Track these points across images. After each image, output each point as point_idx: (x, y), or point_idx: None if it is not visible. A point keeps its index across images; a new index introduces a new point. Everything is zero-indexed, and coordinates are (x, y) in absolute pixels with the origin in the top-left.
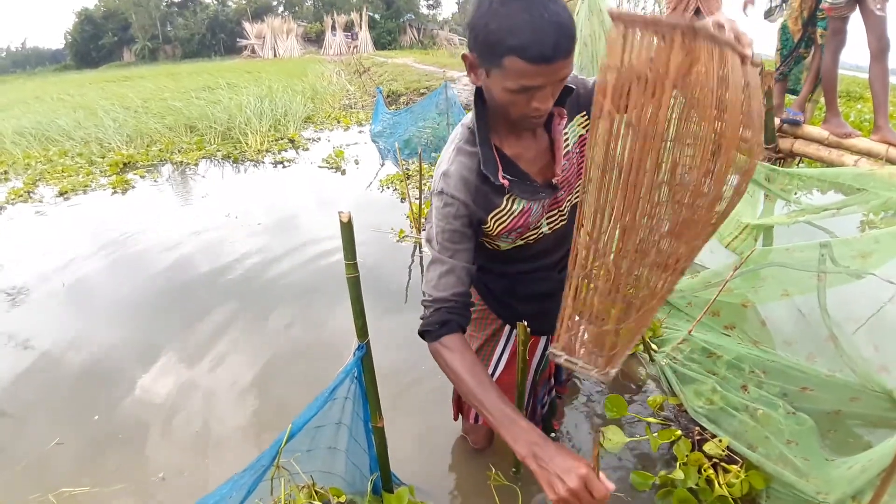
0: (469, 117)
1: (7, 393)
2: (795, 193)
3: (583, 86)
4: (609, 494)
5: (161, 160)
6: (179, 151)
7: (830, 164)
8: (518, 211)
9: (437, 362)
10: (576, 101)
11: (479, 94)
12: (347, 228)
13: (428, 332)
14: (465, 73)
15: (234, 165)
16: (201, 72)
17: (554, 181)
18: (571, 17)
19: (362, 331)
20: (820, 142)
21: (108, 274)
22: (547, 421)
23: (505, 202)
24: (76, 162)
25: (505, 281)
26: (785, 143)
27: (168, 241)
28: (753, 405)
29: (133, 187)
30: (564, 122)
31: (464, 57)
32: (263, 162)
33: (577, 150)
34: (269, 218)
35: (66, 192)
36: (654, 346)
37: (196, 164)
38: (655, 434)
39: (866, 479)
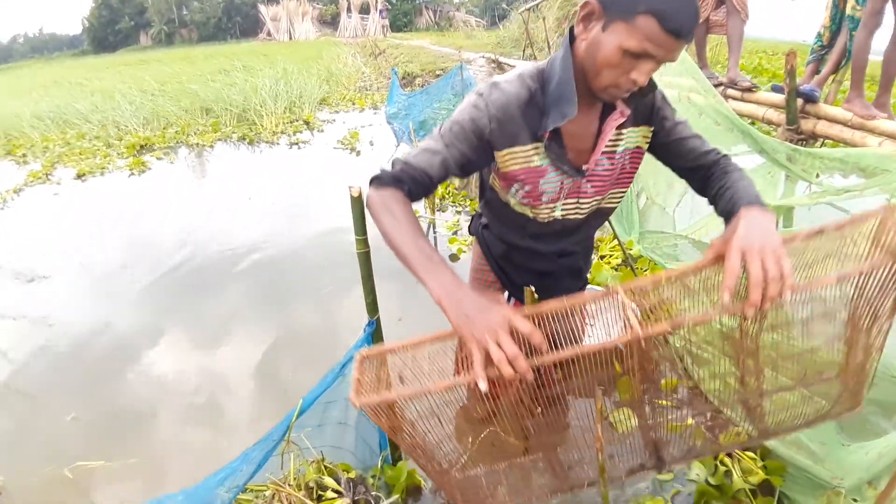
0: (536, 65)
1: (24, 370)
2: (817, 175)
3: (662, 100)
4: (542, 344)
5: (177, 142)
6: (195, 133)
7: (853, 146)
8: (534, 165)
9: (371, 208)
10: (650, 110)
11: (570, 46)
12: (358, 203)
13: (379, 178)
14: (483, 53)
15: (250, 147)
16: (217, 55)
17: (584, 167)
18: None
19: (372, 307)
20: (843, 123)
21: (123, 254)
22: None
23: (529, 148)
24: (93, 144)
25: (504, 247)
26: (807, 124)
27: (183, 221)
28: (769, 388)
29: (150, 169)
30: (623, 120)
31: (585, 3)
32: (278, 143)
33: (628, 158)
34: (284, 198)
35: (83, 174)
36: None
37: (212, 146)
38: (670, 417)
39: (883, 465)
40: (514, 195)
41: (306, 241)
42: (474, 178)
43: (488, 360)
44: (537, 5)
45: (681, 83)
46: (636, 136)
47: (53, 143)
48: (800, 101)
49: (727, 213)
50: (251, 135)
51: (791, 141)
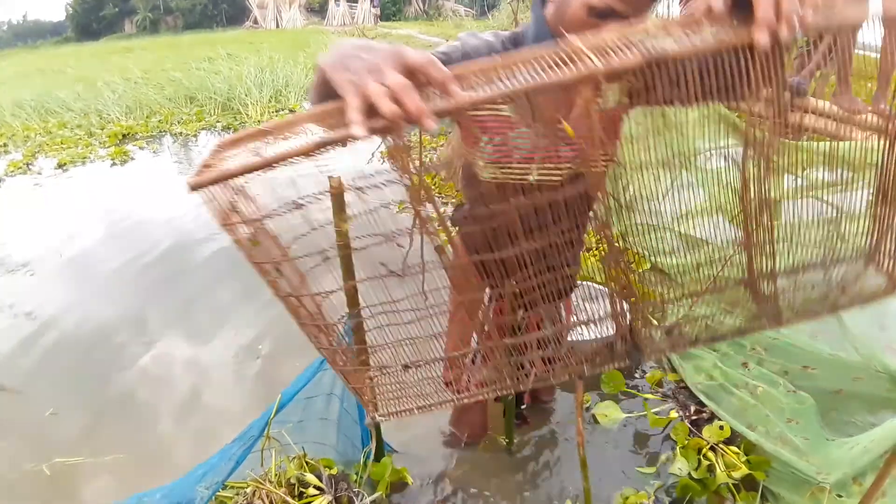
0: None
1: (4, 364)
2: (804, 168)
3: None
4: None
5: (160, 131)
6: (179, 122)
7: (840, 140)
8: (504, 114)
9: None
10: None
11: (540, 7)
12: (338, 196)
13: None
14: None
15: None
16: (202, 43)
17: (560, 126)
18: None
19: (353, 299)
20: (830, 117)
21: (106, 246)
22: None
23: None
24: (75, 134)
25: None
26: (794, 118)
27: (166, 212)
28: (754, 382)
29: (132, 159)
30: None
31: None
32: None
33: (607, 118)
34: (268, 190)
35: (64, 164)
36: (654, 321)
37: (196, 136)
38: (654, 411)
39: (868, 461)
40: (483, 153)
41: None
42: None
43: (371, 112)
44: None
45: None
46: (612, 94)
47: (34, 133)
48: (787, 94)
49: None
50: (236, 124)
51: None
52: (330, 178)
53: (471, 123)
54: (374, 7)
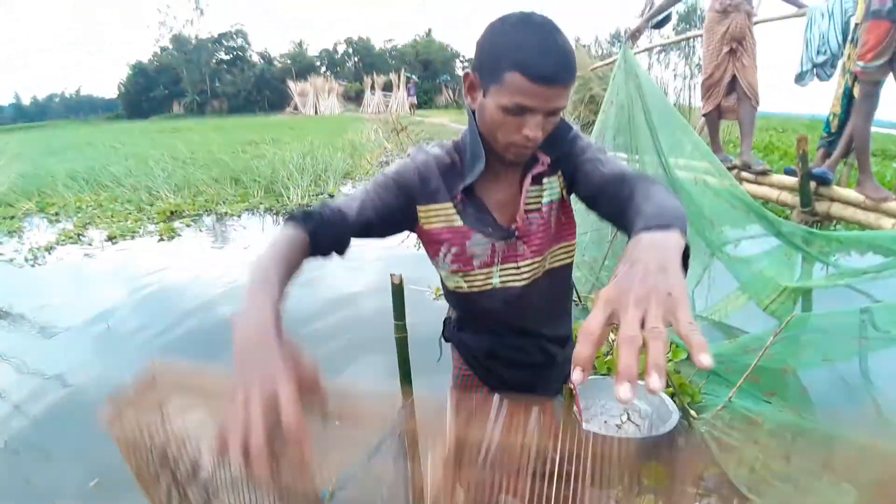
0: (453, 139)
1: (42, 429)
2: (834, 256)
3: (573, 138)
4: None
5: (206, 210)
6: (224, 202)
7: (868, 228)
8: (458, 225)
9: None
10: (565, 154)
11: (473, 118)
12: (398, 290)
13: (291, 216)
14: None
15: (276, 218)
16: (247, 126)
17: (513, 227)
18: (574, 54)
19: (407, 390)
20: (857, 205)
21: (143, 317)
22: None
23: (448, 205)
24: (125, 208)
25: (485, 342)
26: (822, 206)
27: (208, 289)
28: (796, 475)
29: (179, 235)
30: (542, 170)
31: (465, 76)
32: None
33: (558, 210)
34: (307, 270)
35: (114, 237)
36: (693, 413)
37: (239, 216)
38: None
39: None
40: (444, 262)
41: (324, 315)
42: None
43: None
44: None
45: (696, 166)
46: (556, 186)
47: (86, 204)
48: (813, 184)
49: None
50: (278, 206)
51: (806, 223)
52: (392, 275)
53: (429, 237)
54: (410, 96)
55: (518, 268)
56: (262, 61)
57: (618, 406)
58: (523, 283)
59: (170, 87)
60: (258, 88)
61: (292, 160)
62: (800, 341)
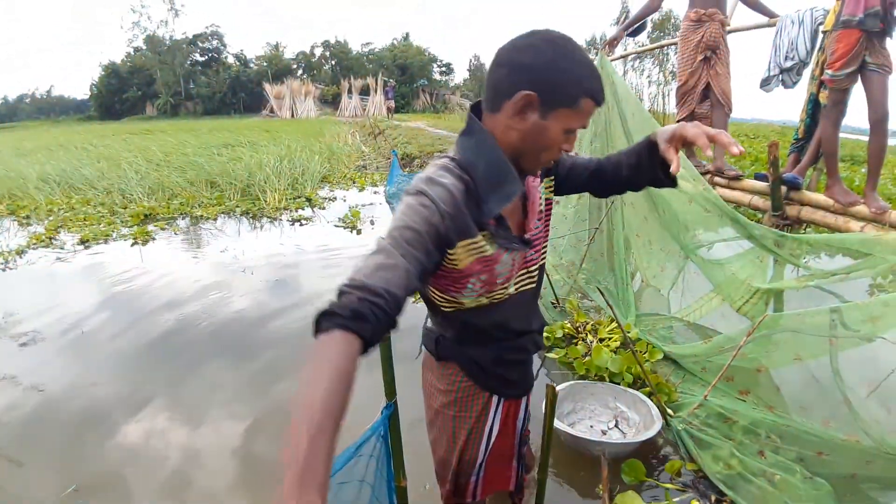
0: (449, 158)
1: (15, 437)
2: (804, 258)
3: None
4: None
5: (181, 213)
6: (199, 206)
7: (837, 230)
8: (489, 254)
9: (311, 357)
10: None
11: (490, 137)
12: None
13: (331, 316)
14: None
15: (252, 222)
16: (221, 129)
17: (526, 236)
18: None
19: (391, 389)
20: (826, 209)
21: (115, 322)
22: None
23: (479, 238)
24: (98, 211)
25: (493, 352)
26: (792, 210)
27: (182, 293)
28: (771, 470)
29: (153, 239)
30: (538, 181)
31: (527, 96)
32: (280, 219)
33: (546, 212)
34: (284, 275)
35: (87, 241)
36: (670, 412)
37: (215, 219)
38: (676, 500)
39: None
40: (470, 292)
41: (303, 319)
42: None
43: None
44: None
45: None
46: (545, 190)
47: (58, 207)
48: (784, 188)
49: (636, 156)
50: (254, 210)
51: (777, 226)
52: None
53: (458, 275)
54: (388, 100)
55: (530, 272)
56: (237, 63)
57: (608, 412)
58: (533, 285)
59: (143, 88)
60: (233, 91)
61: (269, 163)
62: (772, 341)
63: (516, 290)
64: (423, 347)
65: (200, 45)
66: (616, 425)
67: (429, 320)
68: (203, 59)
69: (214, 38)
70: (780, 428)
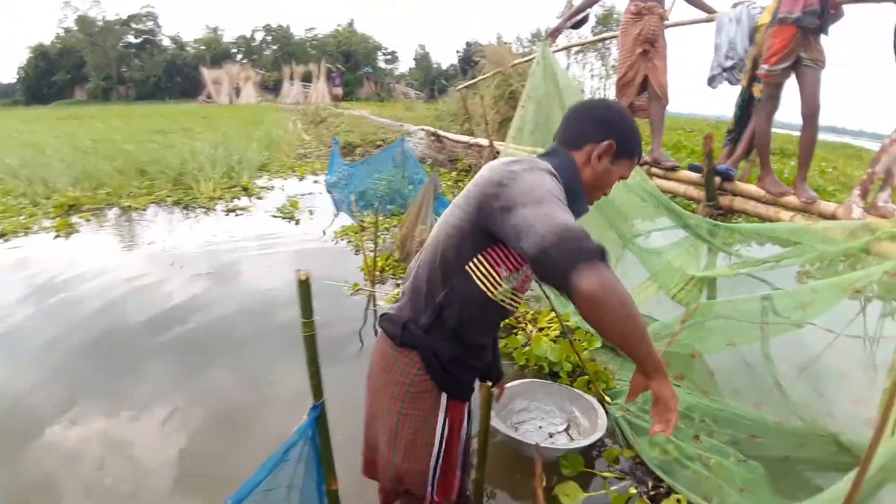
0: (546, 161)
1: None
2: (736, 247)
3: None
4: None
5: (108, 204)
6: (128, 196)
7: (768, 220)
8: None
9: (607, 297)
10: None
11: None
12: (305, 287)
13: (593, 254)
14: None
15: (185, 212)
16: (155, 114)
17: None
18: None
19: (317, 390)
20: (758, 199)
21: (39, 320)
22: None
23: None
24: (19, 202)
25: (457, 347)
26: (725, 200)
27: (108, 287)
28: (706, 454)
29: (77, 231)
30: None
31: (611, 144)
32: (215, 209)
33: None
34: (217, 267)
35: (6, 234)
36: (608, 399)
37: (145, 209)
38: (614, 488)
39: None
40: (509, 280)
41: (238, 314)
42: (413, 251)
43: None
44: (475, 83)
45: None
46: None
47: None
48: (717, 179)
49: None
50: (187, 199)
51: (711, 216)
52: (298, 271)
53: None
54: (336, 86)
55: (529, 273)
56: (173, 46)
57: (563, 415)
58: (529, 283)
59: (73, 71)
60: (169, 75)
61: (203, 151)
62: (706, 327)
63: (519, 299)
64: (380, 334)
65: (134, 26)
66: (567, 430)
67: (398, 306)
68: (137, 41)
69: (149, 19)
70: (714, 412)
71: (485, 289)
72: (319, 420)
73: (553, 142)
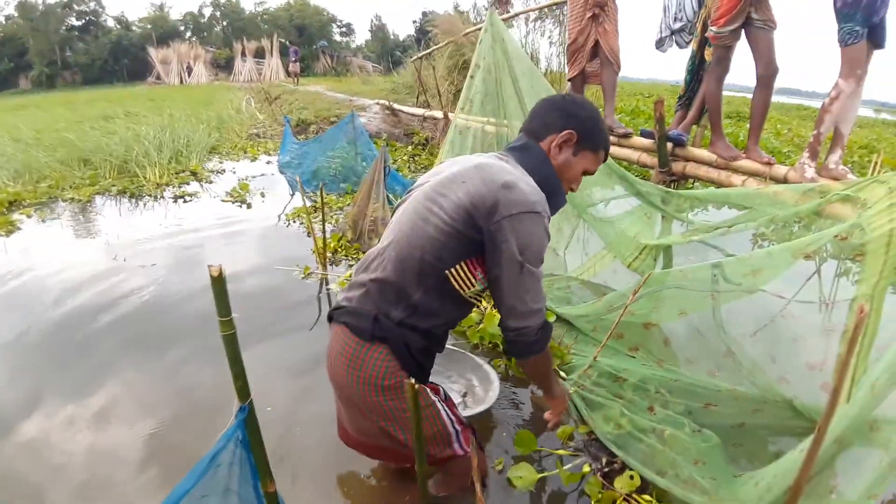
0: (518, 166)
1: None
2: (687, 214)
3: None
4: None
5: (51, 197)
6: (72, 187)
7: (720, 185)
8: None
9: (541, 362)
10: None
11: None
12: (219, 283)
13: (545, 349)
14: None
15: (132, 201)
16: (101, 99)
17: None
18: None
19: (243, 391)
20: (710, 164)
21: None
22: None
23: None
24: None
25: (426, 341)
26: (677, 166)
27: (51, 284)
28: (660, 426)
29: (19, 229)
30: None
31: (570, 134)
32: (163, 196)
33: None
34: (163, 257)
35: None
36: (562, 374)
37: (89, 201)
38: (567, 467)
39: (774, 498)
40: (482, 282)
41: (188, 306)
42: (366, 230)
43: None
44: (429, 54)
45: None
46: None
47: None
48: (670, 145)
49: None
50: (133, 188)
51: (664, 182)
52: (210, 266)
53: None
54: (292, 62)
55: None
56: (118, 27)
57: (462, 382)
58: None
59: (15, 59)
60: (115, 57)
61: (148, 136)
62: (659, 297)
63: (480, 298)
64: (340, 329)
65: (77, 8)
66: (464, 397)
67: (357, 299)
68: (80, 23)
69: None
70: (668, 382)
71: (458, 289)
72: (248, 421)
73: (520, 133)
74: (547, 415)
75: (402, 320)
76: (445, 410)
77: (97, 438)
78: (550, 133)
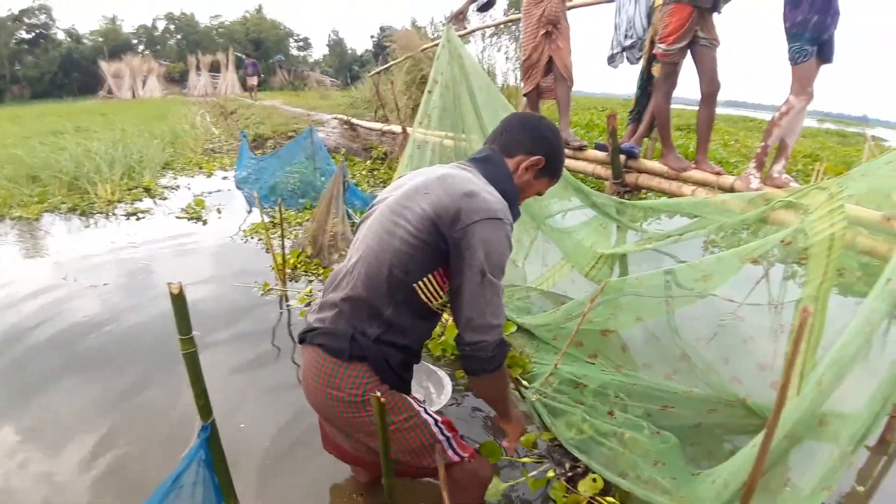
0: (480, 174)
1: None
2: (640, 223)
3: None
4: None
5: None
6: (19, 205)
7: (672, 195)
8: None
9: (496, 382)
10: None
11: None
12: (179, 301)
13: (502, 367)
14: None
15: (82, 219)
16: (51, 113)
17: None
18: None
19: (205, 410)
20: (661, 175)
21: None
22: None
23: None
24: None
25: (404, 355)
26: (631, 178)
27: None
28: (620, 430)
29: None
30: None
31: (540, 160)
32: (115, 214)
33: None
34: (114, 277)
35: None
36: (524, 383)
37: (38, 219)
38: (532, 474)
39: (730, 494)
40: (449, 294)
41: (141, 327)
42: (326, 246)
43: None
44: (387, 69)
45: None
46: None
47: None
48: (623, 157)
49: None
50: (83, 205)
51: (618, 193)
52: (170, 284)
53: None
54: (250, 76)
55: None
56: (69, 39)
57: (419, 390)
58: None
59: None
60: (65, 70)
61: (99, 151)
62: (616, 304)
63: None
64: (312, 351)
65: (27, 21)
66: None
67: (330, 319)
68: (30, 36)
69: (42, 12)
70: (627, 387)
71: (427, 301)
72: (211, 440)
73: (485, 143)
74: (504, 442)
75: (379, 336)
76: (433, 418)
77: (42, 467)
78: (520, 153)
